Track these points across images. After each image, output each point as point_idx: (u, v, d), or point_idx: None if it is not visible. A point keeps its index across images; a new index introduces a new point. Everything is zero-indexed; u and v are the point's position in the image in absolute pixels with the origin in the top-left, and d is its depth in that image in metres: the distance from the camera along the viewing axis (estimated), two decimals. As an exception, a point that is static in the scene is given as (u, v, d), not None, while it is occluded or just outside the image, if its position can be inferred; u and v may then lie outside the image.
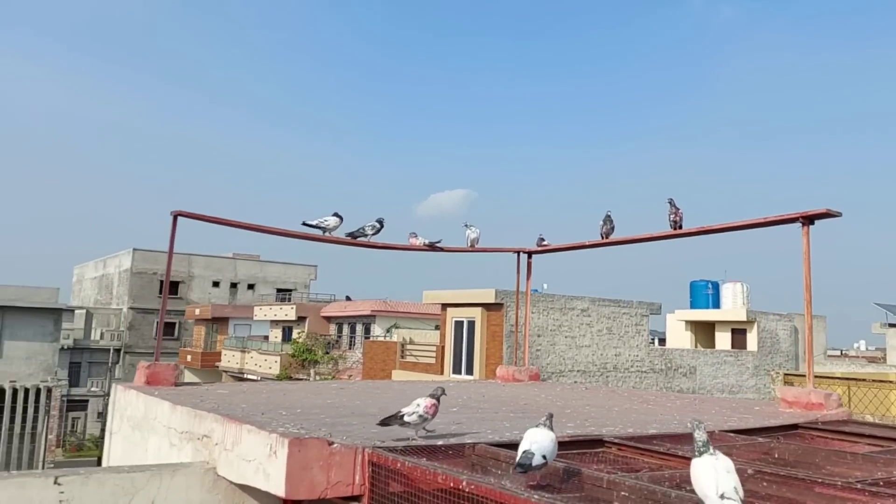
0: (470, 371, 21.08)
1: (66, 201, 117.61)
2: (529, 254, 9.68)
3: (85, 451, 38.48)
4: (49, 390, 25.27)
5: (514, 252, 9.76)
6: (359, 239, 7.97)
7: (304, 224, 7.58)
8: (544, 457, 3.13)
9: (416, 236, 8.73)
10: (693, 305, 30.22)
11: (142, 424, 5.41)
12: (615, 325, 22.85)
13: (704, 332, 29.66)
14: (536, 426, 3.40)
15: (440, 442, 3.95)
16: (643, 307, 23.87)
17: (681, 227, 7.98)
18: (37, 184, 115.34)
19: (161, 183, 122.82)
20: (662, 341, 31.98)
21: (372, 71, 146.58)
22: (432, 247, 8.78)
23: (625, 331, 23.07)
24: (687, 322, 29.86)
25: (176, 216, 6.69)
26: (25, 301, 25.01)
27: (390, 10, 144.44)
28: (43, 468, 24.80)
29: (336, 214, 7.60)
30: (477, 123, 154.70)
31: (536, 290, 21.29)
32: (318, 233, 7.71)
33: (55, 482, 3.37)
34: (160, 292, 46.87)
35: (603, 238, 8.28)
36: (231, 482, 3.95)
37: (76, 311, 45.81)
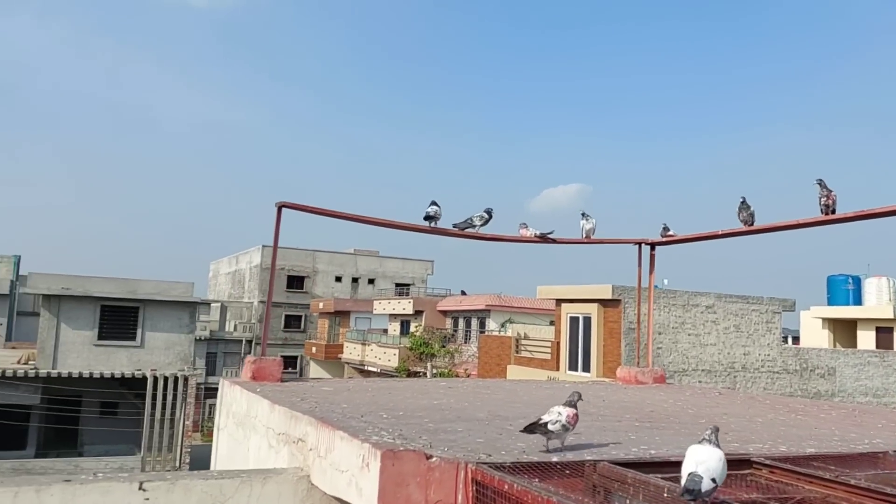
0: (587, 368, 20.36)
1: (204, 202, 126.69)
2: (652, 245, 8.85)
3: (221, 436, 40.89)
4: (186, 378, 27.01)
5: (635, 243, 8.95)
6: (466, 230, 7.55)
7: (427, 218, 7.32)
8: (714, 480, 2.61)
9: (526, 227, 8.18)
10: (831, 302, 28.00)
11: (244, 422, 5.27)
12: (743, 323, 21.44)
13: (844, 330, 27.34)
14: (700, 442, 2.88)
15: (555, 458, 3.42)
16: (775, 303, 22.24)
17: (834, 212, 6.92)
18: (179, 186, 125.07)
19: (287, 182, 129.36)
20: (796, 340, 29.91)
21: (483, 67, 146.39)
22: (544, 238, 8.19)
23: (754, 328, 21.61)
24: (824, 319, 27.62)
25: (280, 207, 6.57)
26: (163, 295, 26.76)
27: (499, 7, 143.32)
28: (181, 452, 26.54)
29: (434, 203, 7.26)
30: (591, 115, 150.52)
31: (657, 286, 20.14)
32: (427, 224, 7.39)
33: (140, 488, 3.18)
34: (287, 286, 49.10)
35: (745, 226, 7.34)
36: (325, 493, 3.63)
37: (212, 305, 48.96)
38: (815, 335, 27.92)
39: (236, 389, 5.68)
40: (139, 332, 26.85)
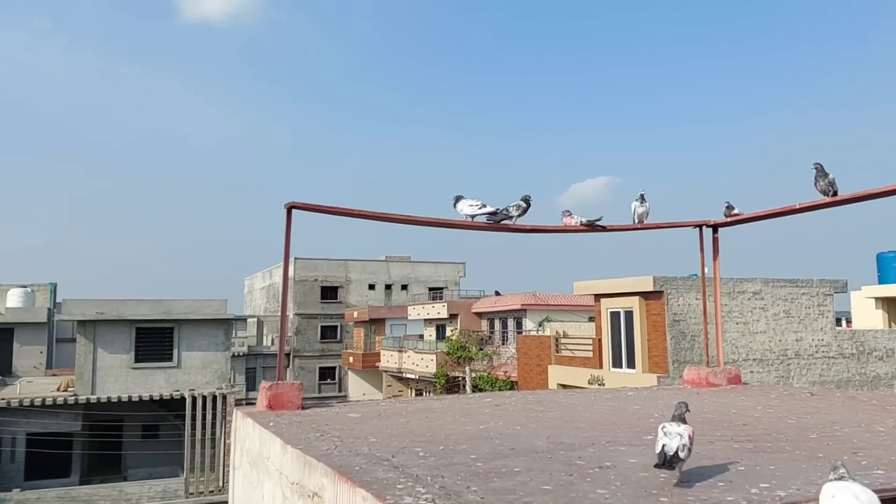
0: (631, 365, 19.34)
1: (233, 220, 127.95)
2: (715, 227, 7.84)
3: (263, 452, 40.50)
4: (224, 397, 26.57)
5: (695, 226, 7.96)
6: (503, 223, 6.64)
7: (477, 216, 6.52)
8: None
9: (570, 215, 7.23)
10: (882, 280, 26.60)
11: (258, 463, 4.45)
12: (794, 308, 20.33)
13: (900, 309, 25.82)
14: (840, 479, 2.22)
15: (653, 516, 2.50)
16: (826, 285, 21.01)
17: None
18: (208, 206, 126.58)
19: (314, 193, 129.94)
20: (848, 322, 28.45)
21: (500, 65, 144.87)
22: (592, 226, 7.24)
23: (805, 313, 20.48)
24: (877, 299, 26.12)
25: (290, 208, 5.78)
26: (197, 313, 26.42)
27: (512, 4, 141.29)
28: (224, 471, 26.08)
29: (460, 198, 6.43)
30: (615, 106, 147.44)
31: (695, 275, 19.06)
32: (465, 220, 6.54)
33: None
34: (322, 298, 48.69)
35: (828, 196, 6.28)
36: (347, 568, 2.76)
37: (248, 320, 48.78)
38: (868, 316, 26.61)
39: (248, 423, 4.87)
40: (175, 352, 26.57)
